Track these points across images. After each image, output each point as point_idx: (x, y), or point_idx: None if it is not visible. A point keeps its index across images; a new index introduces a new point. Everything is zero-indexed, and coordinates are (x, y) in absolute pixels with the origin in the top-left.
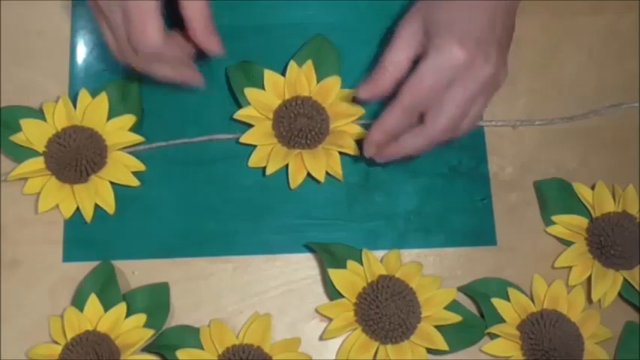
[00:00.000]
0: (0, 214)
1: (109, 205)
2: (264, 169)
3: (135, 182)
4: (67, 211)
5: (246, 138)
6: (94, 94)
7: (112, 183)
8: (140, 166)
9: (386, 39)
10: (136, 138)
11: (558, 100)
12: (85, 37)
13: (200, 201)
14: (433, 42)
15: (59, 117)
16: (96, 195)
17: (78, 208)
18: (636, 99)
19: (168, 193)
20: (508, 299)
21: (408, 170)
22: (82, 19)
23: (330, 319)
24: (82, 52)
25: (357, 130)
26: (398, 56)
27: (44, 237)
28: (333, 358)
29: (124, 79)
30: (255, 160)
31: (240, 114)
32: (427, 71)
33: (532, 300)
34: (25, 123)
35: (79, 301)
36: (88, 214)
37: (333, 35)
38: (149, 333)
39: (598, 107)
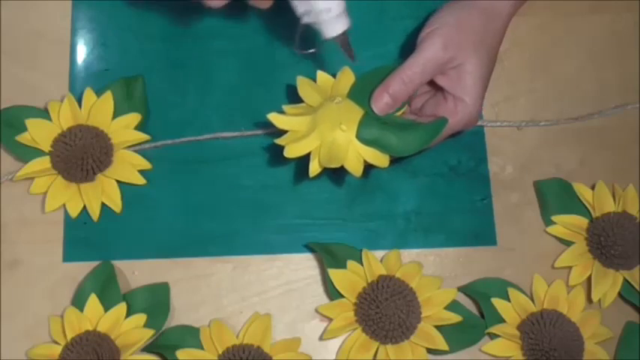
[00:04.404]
0: (0, 214)
1: (116, 204)
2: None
3: (141, 180)
4: (74, 211)
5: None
6: (95, 93)
7: (117, 182)
8: (146, 165)
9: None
10: (142, 136)
11: (558, 100)
12: (85, 37)
13: (200, 201)
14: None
15: (65, 116)
16: (102, 194)
17: (84, 207)
18: (636, 99)
19: (168, 193)
20: (508, 299)
21: (408, 170)
22: (82, 19)
23: (330, 319)
24: (82, 52)
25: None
26: (418, 78)
27: (44, 237)
28: (333, 358)
29: (128, 77)
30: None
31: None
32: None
33: (532, 300)
34: (31, 123)
35: (79, 301)
36: (94, 213)
37: None
38: (149, 333)
39: (598, 107)
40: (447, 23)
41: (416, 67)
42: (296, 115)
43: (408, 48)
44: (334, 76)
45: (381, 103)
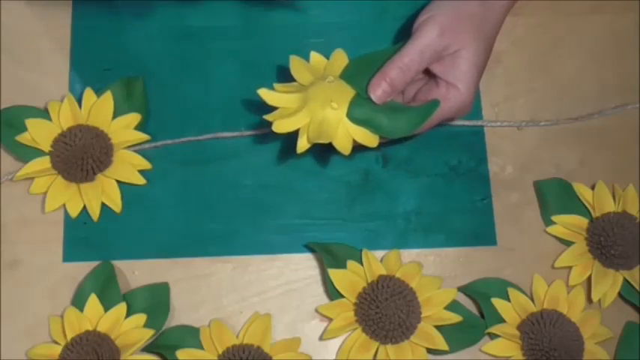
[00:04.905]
0: (0, 214)
1: (116, 204)
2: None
3: (141, 180)
4: (74, 211)
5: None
6: (95, 93)
7: (117, 182)
8: (146, 165)
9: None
10: (142, 136)
11: (558, 100)
12: (85, 37)
13: (200, 201)
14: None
15: (65, 116)
16: (102, 194)
17: (84, 207)
18: (636, 99)
19: (168, 193)
20: (508, 299)
21: (408, 170)
22: (82, 19)
23: (330, 319)
24: (82, 52)
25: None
26: (416, 66)
27: (44, 237)
28: (333, 358)
29: (128, 77)
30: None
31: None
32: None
33: (532, 300)
34: (31, 123)
35: (79, 301)
36: (94, 213)
37: (334, 35)
38: (149, 333)
39: (598, 107)
40: (444, 10)
41: (413, 55)
42: (287, 93)
43: None
44: (327, 58)
45: (379, 91)
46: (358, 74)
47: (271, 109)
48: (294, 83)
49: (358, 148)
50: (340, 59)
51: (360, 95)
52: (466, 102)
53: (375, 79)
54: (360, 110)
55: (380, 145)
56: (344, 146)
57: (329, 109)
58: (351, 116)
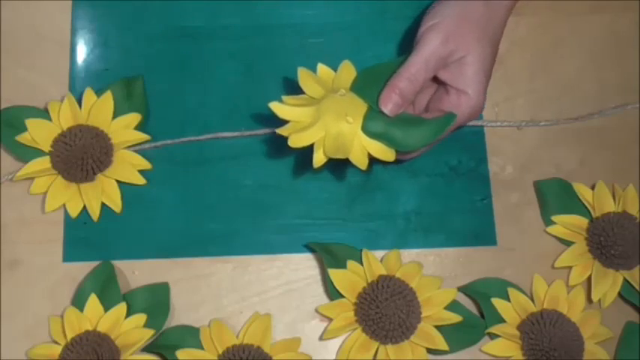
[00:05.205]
0: (0, 214)
1: (116, 204)
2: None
3: (141, 180)
4: (74, 211)
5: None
6: (95, 93)
7: (117, 182)
8: (146, 165)
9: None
10: (142, 136)
11: (558, 100)
12: (85, 37)
13: (200, 201)
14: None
15: (65, 116)
16: (102, 194)
17: (84, 207)
18: (636, 99)
19: (168, 193)
20: (508, 299)
21: (408, 170)
22: (82, 19)
23: (330, 319)
24: (82, 52)
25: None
26: (423, 75)
27: (44, 237)
28: (333, 358)
29: (128, 77)
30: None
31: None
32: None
33: (532, 300)
34: (31, 123)
35: (79, 301)
36: (94, 213)
37: (334, 35)
38: (149, 333)
39: (598, 107)
40: (448, 15)
41: (419, 64)
42: (297, 106)
43: (409, 48)
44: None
45: (390, 104)
46: (368, 87)
47: (271, 111)
48: (303, 95)
49: (373, 161)
50: (348, 71)
51: (373, 109)
52: (476, 107)
53: (385, 92)
54: (375, 124)
55: (397, 160)
56: (360, 161)
57: (344, 122)
58: (366, 130)
